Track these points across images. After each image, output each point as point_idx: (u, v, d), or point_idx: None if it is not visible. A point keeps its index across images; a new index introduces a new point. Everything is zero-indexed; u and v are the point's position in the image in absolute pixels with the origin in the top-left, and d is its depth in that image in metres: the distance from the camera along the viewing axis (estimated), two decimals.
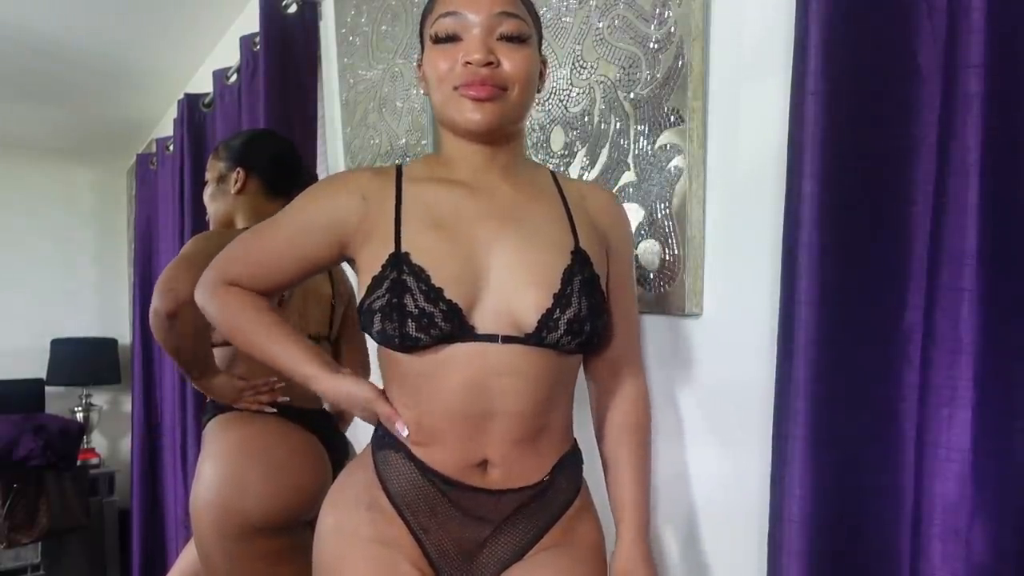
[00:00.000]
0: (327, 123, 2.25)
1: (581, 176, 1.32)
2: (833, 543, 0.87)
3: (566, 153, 1.36)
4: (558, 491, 0.97)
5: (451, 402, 0.90)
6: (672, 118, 1.16)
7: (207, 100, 2.78)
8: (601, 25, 1.28)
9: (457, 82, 0.90)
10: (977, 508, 0.74)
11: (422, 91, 0.97)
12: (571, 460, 1.00)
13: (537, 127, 1.41)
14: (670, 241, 1.17)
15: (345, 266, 1.07)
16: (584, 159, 1.32)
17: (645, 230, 1.21)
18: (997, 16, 0.73)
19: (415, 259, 0.89)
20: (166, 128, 3.45)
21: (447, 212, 0.94)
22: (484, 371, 0.89)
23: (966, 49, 0.75)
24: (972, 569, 0.74)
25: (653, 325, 1.24)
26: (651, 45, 1.19)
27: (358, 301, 0.94)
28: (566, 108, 1.36)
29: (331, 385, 0.98)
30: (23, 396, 3.98)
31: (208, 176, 1.66)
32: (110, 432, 4.50)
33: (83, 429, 3.65)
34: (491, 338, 0.89)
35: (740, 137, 1.11)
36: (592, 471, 1.03)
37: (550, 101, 1.39)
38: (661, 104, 1.18)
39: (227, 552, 1.42)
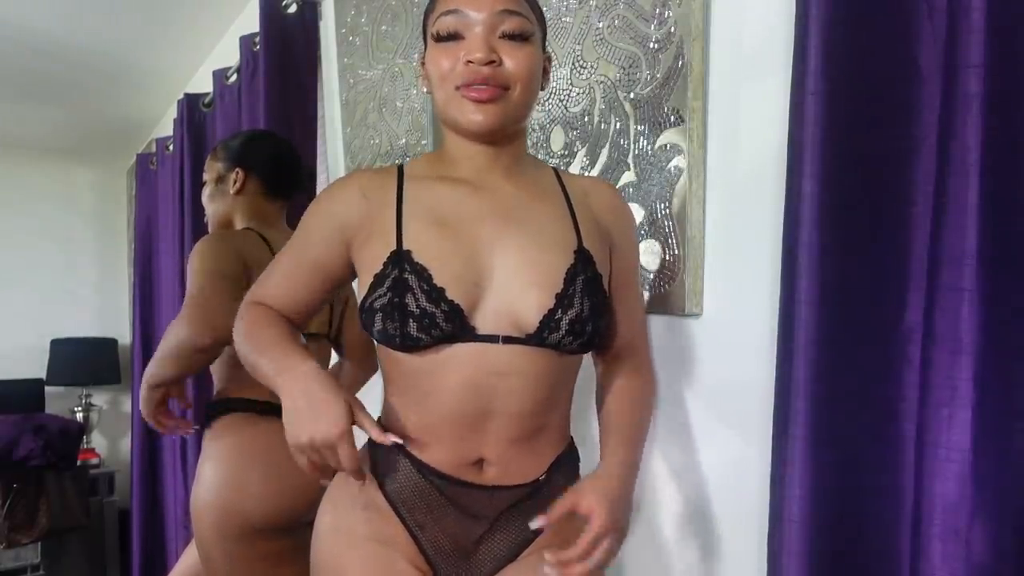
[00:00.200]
0: (327, 123, 2.25)
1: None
2: (833, 543, 0.87)
3: (566, 153, 1.36)
4: (555, 489, 0.97)
5: (450, 402, 0.90)
6: (672, 118, 1.16)
7: (207, 100, 2.78)
8: (601, 25, 1.28)
9: (459, 81, 0.90)
10: (977, 508, 0.74)
11: (424, 89, 0.97)
12: (568, 459, 1.00)
13: (537, 127, 1.41)
14: (670, 241, 1.17)
15: None
16: (584, 159, 1.32)
17: (645, 230, 1.21)
18: (997, 16, 0.73)
19: (417, 257, 0.89)
20: (166, 128, 3.44)
21: (449, 210, 0.94)
22: (484, 371, 0.89)
23: (966, 49, 0.75)
24: (972, 569, 0.74)
25: (653, 325, 1.24)
26: (651, 45, 1.19)
27: (359, 299, 0.94)
28: (566, 108, 1.36)
29: (287, 402, 0.89)
30: (23, 396, 3.99)
31: (206, 177, 1.66)
32: (110, 432, 4.50)
33: (83, 429, 3.65)
34: (492, 338, 0.89)
35: (740, 137, 1.11)
36: (589, 470, 1.03)
37: (550, 101, 1.39)
38: (661, 104, 1.18)
39: (228, 553, 1.42)
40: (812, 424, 0.87)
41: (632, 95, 1.22)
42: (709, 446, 1.17)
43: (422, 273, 0.88)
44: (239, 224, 1.62)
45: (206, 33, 2.96)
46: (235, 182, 1.60)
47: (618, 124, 1.25)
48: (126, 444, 4.19)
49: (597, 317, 0.92)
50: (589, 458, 1.03)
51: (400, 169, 1.00)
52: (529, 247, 0.92)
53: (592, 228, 0.97)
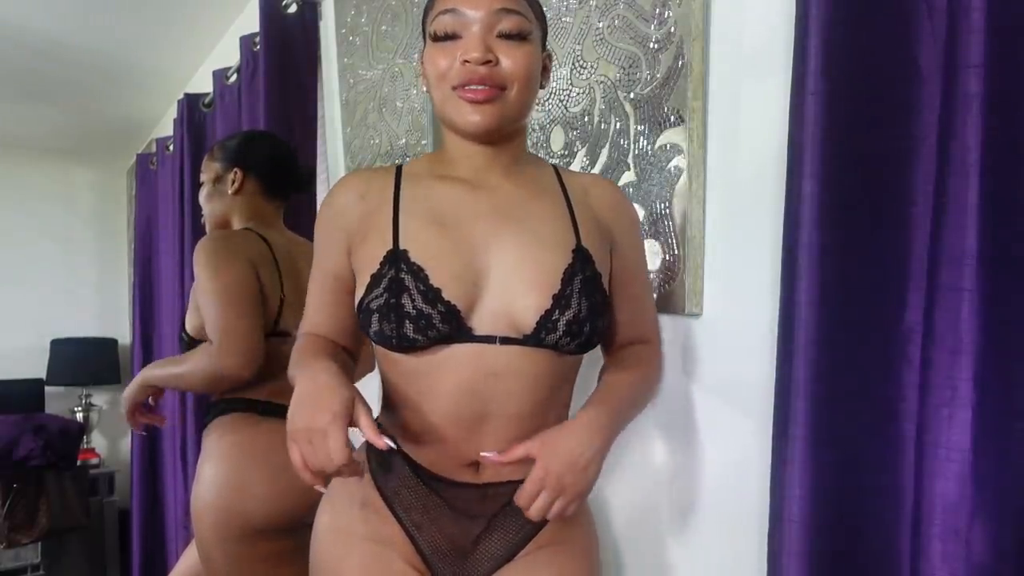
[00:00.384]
0: (327, 123, 2.25)
1: None
2: (833, 543, 0.87)
3: (566, 153, 1.36)
4: None
5: (447, 403, 0.90)
6: (672, 118, 1.16)
7: (207, 100, 2.78)
8: (601, 25, 1.28)
9: (455, 81, 0.90)
10: (977, 508, 0.74)
11: (424, 89, 0.97)
12: None
13: (537, 127, 1.41)
14: (670, 241, 1.17)
15: None
16: (584, 159, 1.32)
17: (645, 230, 1.21)
18: (997, 16, 0.73)
19: (414, 257, 0.89)
20: (166, 128, 3.44)
21: (447, 209, 0.93)
22: (482, 372, 0.89)
23: (966, 49, 0.75)
24: (972, 569, 0.74)
25: None
26: (651, 45, 1.19)
27: (356, 299, 0.94)
28: (566, 108, 1.36)
29: (296, 395, 0.88)
30: (23, 396, 3.99)
31: (204, 177, 1.65)
32: (110, 432, 4.50)
33: (83, 429, 3.65)
34: (489, 339, 0.89)
35: (740, 137, 1.11)
36: None
37: (550, 101, 1.39)
38: (661, 104, 1.18)
39: (228, 554, 1.42)
40: (812, 424, 0.87)
41: (632, 95, 1.22)
42: (709, 446, 1.17)
43: (418, 273, 0.88)
44: (237, 224, 1.62)
45: (206, 33, 2.96)
46: (233, 182, 1.60)
47: (618, 124, 1.25)
48: (126, 444, 4.19)
49: (595, 317, 0.91)
50: None
51: (399, 169, 1.00)
52: (527, 247, 0.91)
53: (592, 226, 0.97)
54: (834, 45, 0.86)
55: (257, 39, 2.23)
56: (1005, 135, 0.74)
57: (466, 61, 0.88)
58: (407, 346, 0.89)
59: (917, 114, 0.84)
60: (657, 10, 1.17)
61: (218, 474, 1.43)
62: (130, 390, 1.58)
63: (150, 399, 1.63)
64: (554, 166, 1.04)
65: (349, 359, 1.02)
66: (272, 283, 1.52)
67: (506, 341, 0.89)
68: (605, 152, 1.28)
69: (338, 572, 0.97)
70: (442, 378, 0.90)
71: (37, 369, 4.17)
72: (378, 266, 0.90)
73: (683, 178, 1.15)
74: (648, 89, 1.20)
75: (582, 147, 1.33)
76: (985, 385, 0.74)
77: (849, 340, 0.86)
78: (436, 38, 0.92)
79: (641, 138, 1.21)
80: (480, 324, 0.89)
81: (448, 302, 0.87)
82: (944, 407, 0.76)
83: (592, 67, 1.30)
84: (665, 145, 1.17)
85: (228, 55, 2.69)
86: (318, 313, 1.01)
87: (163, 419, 1.65)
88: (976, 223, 0.74)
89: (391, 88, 1.91)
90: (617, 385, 0.97)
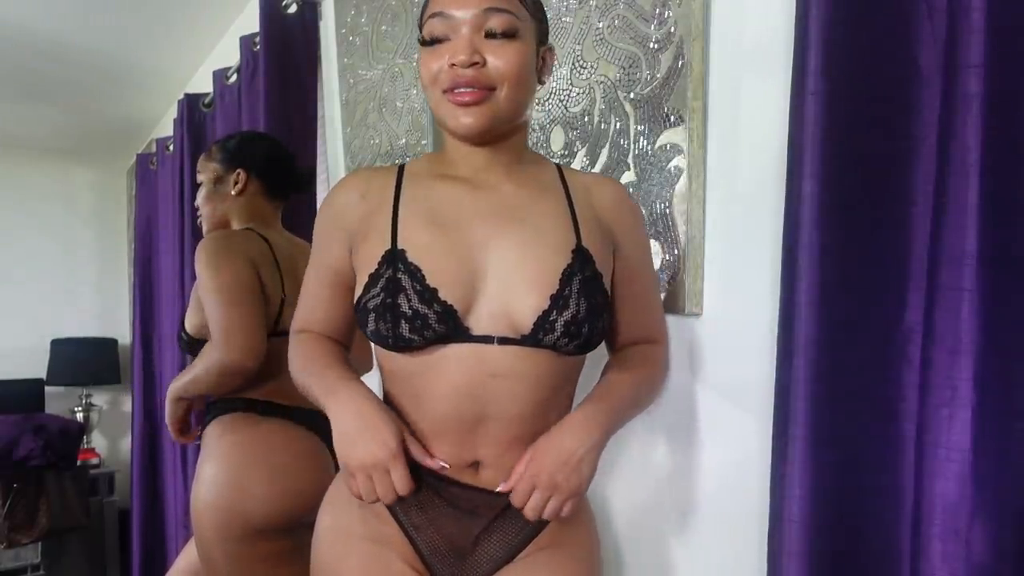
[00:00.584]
0: (327, 123, 2.25)
1: None
2: (833, 543, 0.87)
3: (566, 153, 1.36)
4: None
5: (445, 403, 0.90)
6: (672, 118, 1.16)
7: (207, 100, 2.78)
8: (601, 25, 1.28)
9: (445, 85, 0.90)
10: (977, 508, 0.74)
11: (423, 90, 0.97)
12: None
13: (537, 127, 1.41)
14: (670, 241, 1.17)
15: None
16: (584, 159, 1.32)
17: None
18: (997, 16, 0.73)
19: (411, 257, 0.89)
20: (166, 128, 3.44)
21: (447, 209, 0.93)
22: (480, 372, 0.89)
23: (966, 49, 0.75)
24: (972, 569, 0.74)
25: None
26: (651, 45, 1.19)
27: (355, 298, 0.94)
28: (566, 108, 1.36)
29: (336, 422, 0.91)
30: (23, 396, 3.99)
31: (202, 177, 1.65)
32: (110, 432, 4.50)
33: (83, 429, 3.65)
34: (487, 339, 0.89)
35: (740, 137, 1.11)
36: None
37: (550, 101, 1.39)
38: (661, 104, 1.18)
39: (228, 554, 1.42)
40: (812, 424, 0.87)
41: (632, 95, 1.22)
42: (709, 446, 1.17)
43: (415, 273, 0.88)
44: (236, 225, 1.62)
45: (206, 33, 2.96)
46: (236, 183, 1.60)
47: (618, 124, 1.25)
48: (126, 444, 4.19)
49: (595, 318, 0.90)
50: None
51: (401, 168, 1.00)
52: (526, 247, 0.91)
53: (594, 226, 0.96)
54: (834, 45, 0.86)
55: (257, 39, 2.23)
56: (1005, 135, 0.74)
57: (453, 64, 0.88)
58: (403, 346, 0.89)
59: (917, 114, 0.84)
60: (657, 10, 1.17)
61: (218, 474, 1.44)
62: (168, 412, 1.59)
63: (191, 414, 1.64)
64: (558, 165, 1.03)
65: (352, 364, 1.02)
66: (273, 283, 1.52)
67: (504, 341, 0.89)
68: (605, 152, 1.28)
69: (337, 572, 0.97)
70: (440, 378, 0.90)
71: (37, 369, 4.17)
72: (376, 266, 0.90)
73: (683, 178, 1.15)
74: (648, 89, 1.20)
75: (582, 147, 1.33)
76: (985, 385, 0.74)
77: (849, 340, 0.86)
78: (426, 42, 0.92)
79: (641, 138, 1.21)
80: (478, 324, 0.89)
81: (444, 302, 0.87)
82: (944, 407, 0.76)
83: (592, 67, 1.30)
84: (665, 145, 1.17)
85: (228, 55, 2.69)
86: (314, 308, 1.02)
87: (195, 435, 1.67)
88: (976, 223, 0.74)
89: (391, 88, 1.91)
90: (617, 383, 0.97)
